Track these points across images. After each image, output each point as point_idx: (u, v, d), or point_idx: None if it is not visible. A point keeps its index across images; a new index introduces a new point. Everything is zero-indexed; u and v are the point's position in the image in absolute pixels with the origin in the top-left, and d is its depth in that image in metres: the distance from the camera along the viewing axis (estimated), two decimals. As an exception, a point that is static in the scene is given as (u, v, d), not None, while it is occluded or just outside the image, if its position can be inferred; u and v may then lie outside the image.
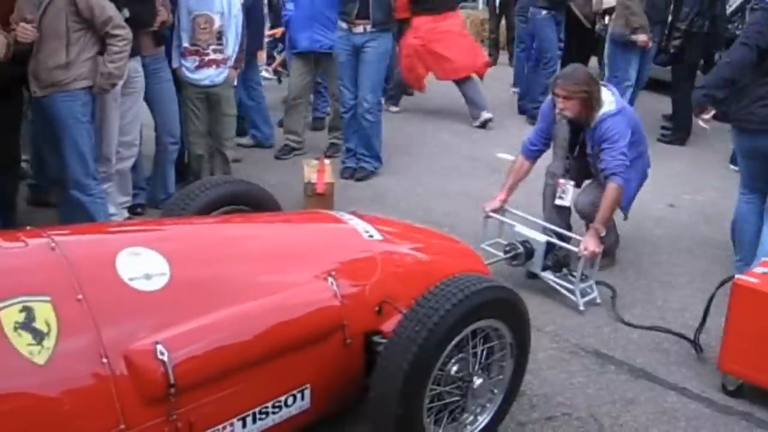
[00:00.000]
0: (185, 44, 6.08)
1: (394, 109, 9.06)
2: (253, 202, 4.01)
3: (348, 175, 7.01)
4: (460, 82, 8.90)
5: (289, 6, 7.21)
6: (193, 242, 3.33)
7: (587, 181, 5.42)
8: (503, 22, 11.94)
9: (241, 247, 3.40)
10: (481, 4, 12.64)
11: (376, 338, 3.31)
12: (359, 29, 6.67)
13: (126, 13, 5.09)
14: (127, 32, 4.90)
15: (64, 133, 4.91)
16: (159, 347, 2.72)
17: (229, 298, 3.03)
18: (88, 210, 5.00)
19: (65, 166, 4.99)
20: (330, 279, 3.28)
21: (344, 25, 6.73)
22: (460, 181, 7.03)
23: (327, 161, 6.48)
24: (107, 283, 2.83)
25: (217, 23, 6.07)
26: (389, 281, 3.49)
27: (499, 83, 10.36)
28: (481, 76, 9.08)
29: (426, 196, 6.66)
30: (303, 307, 3.18)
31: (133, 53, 5.30)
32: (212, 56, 6.14)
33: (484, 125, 8.70)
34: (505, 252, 5.09)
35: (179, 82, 6.12)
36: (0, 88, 4.88)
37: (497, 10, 11.57)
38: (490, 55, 11.59)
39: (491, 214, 5.36)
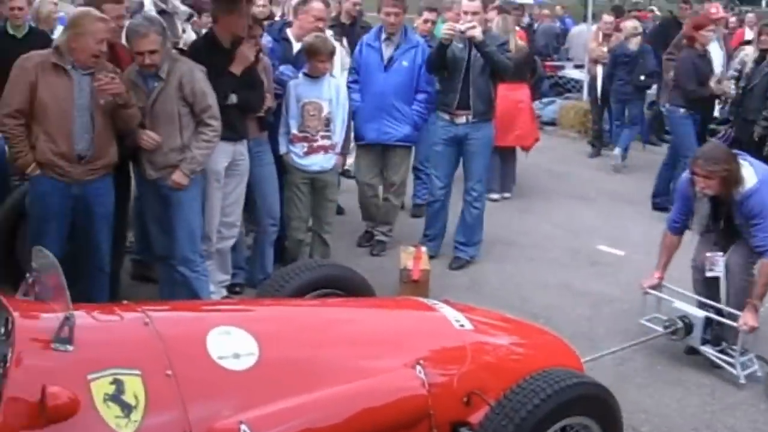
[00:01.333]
0: (294, 131, 6.17)
1: (494, 196, 9.04)
2: (346, 287, 4.03)
3: None
4: (506, 154, 9.04)
5: (355, 96, 7.09)
6: (284, 324, 3.37)
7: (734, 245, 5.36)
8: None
9: (331, 331, 3.42)
10: (585, 96, 12.56)
11: (463, 430, 3.26)
12: (461, 119, 6.70)
13: (234, 98, 5.26)
14: (219, 125, 5.04)
15: (177, 211, 5.07)
16: (243, 427, 2.74)
17: (316, 381, 3.04)
18: (192, 286, 5.10)
19: (174, 243, 5.12)
20: (418, 367, 3.26)
21: (445, 116, 6.78)
22: (560, 272, 6.94)
23: (424, 248, 6.48)
24: (196, 361, 2.88)
25: (325, 110, 6.17)
26: (479, 372, 3.44)
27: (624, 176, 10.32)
28: (528, 150, 9.33)
29: (524, 287, 6.59)
30: (390, 395, 3.16)
31: (240, 137, 5.46)
32: (320, 142, 6.22)
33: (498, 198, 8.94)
34: (665, 327, 5.17)
35: (283, 167, 6.23)
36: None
37: (599, 101, 11.50)
38: (593, 146, 11.51)
39: (649, 290, 5.43)
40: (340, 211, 7.45)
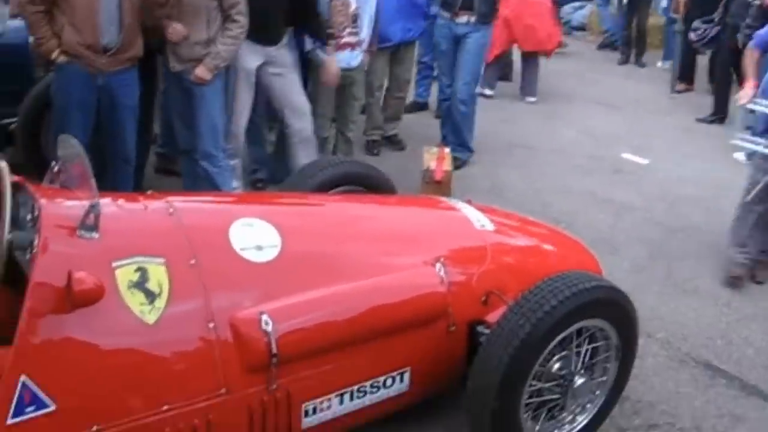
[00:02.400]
0: (320, 27, 6.12)
1: (488, 92, 8.96)
2: (369, 184, 4.04)
3: None
4: (529, 58, 9.06)
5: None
6: (307, 218, 3.39)
7: None
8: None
9: (353, 227, 3.44)
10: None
11: (480, 328, 3.30)
12: (462, 20, 6.65)
13: None
14: (246, 21, 4.99)
15: (200, 105, 5.06)
16: (264, 317, 2.79)
17: (337, 276, 3.08)
18: (214, 181, 5.14)
19: (197, 137, 5.14)
20: (438, 265, 3.29)
21: (446, 14, 6.72)
22: (583, 179, 6.91)
23: (447, 149, 6.46)
24: (220, 251, 2.92)
25: (353, 6, 6.09)
26: (498, 272, 3.47)
27: (650, 85, 10.17)
28: (549, 54, 9.28)
29: (546, 192, 6.58)
30: (409, 291, 3.20)
31: (274, 41, 5.45)
32: (347, 39, 6.13)
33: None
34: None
35: (310, 65, 6.17)
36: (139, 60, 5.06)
37: (627, 6, 11.25)
38: (622, 53, 11.36)
39: (750, 104, 5.20)
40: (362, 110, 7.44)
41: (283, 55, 5.61)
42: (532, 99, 9.10)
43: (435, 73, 7.93)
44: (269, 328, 2.78)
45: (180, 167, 5.74)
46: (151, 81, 5.41)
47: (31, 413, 2.47)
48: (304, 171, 4.11)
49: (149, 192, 3.23)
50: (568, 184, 6.78)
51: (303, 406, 2.98)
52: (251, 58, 5.39)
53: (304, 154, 5.60)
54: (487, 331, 3.23)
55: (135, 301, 2.66)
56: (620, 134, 8.22)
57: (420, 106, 8.42)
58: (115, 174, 4.93)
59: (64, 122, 4.71)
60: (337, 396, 3.06)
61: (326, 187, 3.90)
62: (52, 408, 2.50)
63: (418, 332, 3.20)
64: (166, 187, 5.40)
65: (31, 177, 3.04)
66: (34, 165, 5.06)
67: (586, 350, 3.32)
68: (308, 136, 5.75)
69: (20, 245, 2.73)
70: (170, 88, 5.28)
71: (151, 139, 5.90)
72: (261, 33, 5.26)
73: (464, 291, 3.33)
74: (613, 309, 3.31)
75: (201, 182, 5.14)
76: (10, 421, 2.44)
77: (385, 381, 3.18)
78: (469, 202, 3.92)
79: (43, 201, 2.77)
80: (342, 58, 6.09)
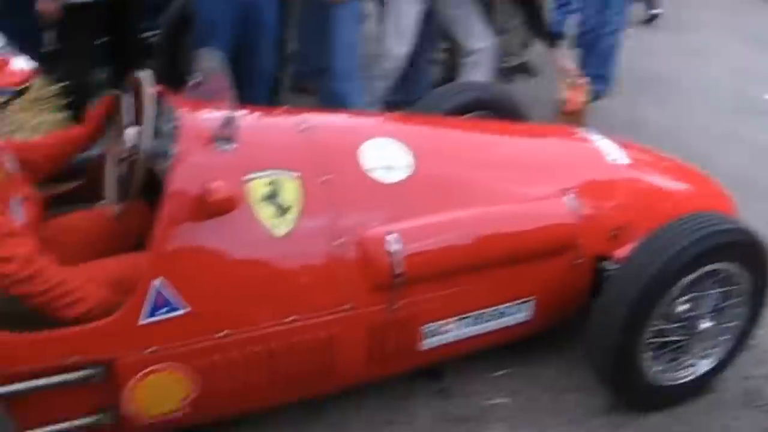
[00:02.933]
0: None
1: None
2: (502, 110, 3.99)
3: None
4: None
5: None
6: (438, 141, 3.37)
7: None
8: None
9: (484, 153, 3.40)
10: None
11: (607, 263, 3.25)
12: None
13: None
14: None
15: (336, 24, 5.06)
16: (391, 237, 2.81)
17: (465, 200, 3.07)
18: (346, 100, 5.16)
19: (331, 56, 5.16)
20: (569, 197, 3.23)
21: None
22: (724, 119, 6.64)
23: (583, 80, 6.28)
24: (351, 170, 2.95)
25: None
26: (628, 208, 3.39)
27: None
28: None
29: (684, 130, 6.34)
30: (538, 220, 3.17)
31: None
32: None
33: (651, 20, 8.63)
34: None
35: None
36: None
37: None
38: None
39: None
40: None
41: None
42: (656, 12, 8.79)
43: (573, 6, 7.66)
44: (395, 248, 2.80)
45: (314, 86, 5.79)
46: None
47: (163, 315, 2.59)
48: (437, 94, 4.09)
49: (285, 108, 3.28)
50: (709, 124, 6.51)
51: (424, 327, 3.01)
52: None
53: (475, 75, 5.57)
54: (614, 266, 3.18)
55: (266, 213, 2.72)
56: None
57: (555, 35, 8.18)
58: (251, 89, 5.00)
59: (205, 38, 4.79)
60: (458, 320, 3.08)
61: (459, 111, 3.87)
62: (183, 311, 2.60)
63: (544, 262, 3.17)
64: (301, 105, 5.46)
65: (169, 89, 3.11)
66: (172, 78, 5.19)
67: (715, 294, 3.23)
68: (487, 59, 5.69)
69: (159, 154, 2.81)
70: (307, 5, 5.30)
71: (287, 56, 5.95)
72: None
73: (593, 224, 3.27)
74: (748, 254, 3.19)
75: (334, 101, 5.17)
76: (143, 321, 2.57)
77: (507, 309, 3.18)
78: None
79: (182, 112, 2.85)
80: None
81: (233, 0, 4.77)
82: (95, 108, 3.21)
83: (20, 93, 2.63)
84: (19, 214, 2.69)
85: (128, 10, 5.16)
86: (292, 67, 6.30)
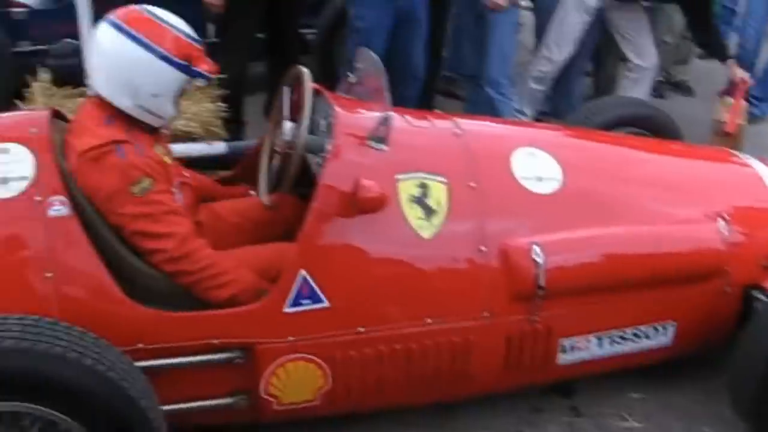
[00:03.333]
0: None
1: None
2: (656, 128, 3.91)
3: None
4: None
5: None
6: (589, 155, 3.32)
7: None
8: None
9: (635, 169, 3.33)
10: None
11: (757, 293, 3.13)
12: None
13: None
14: None
15: (492, 31, 5.06)
16: (536, 248, 2.79)
17: (613, 217, 3.02)
18: (497, 108, 5.16)
19: (485, 63, 5.16)
20: (720, 221, 3.14)
21: None
22: None
23: (743, 101, 6.06)
24: (500, 178, 2.94)
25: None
26: (786, 238, 3.27)
27: None
28: None
29: None
30: (686, 244, 3.08)
31: None
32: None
33: None
34: None
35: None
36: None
37: None
38: None
39: None
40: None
41: None
42: None
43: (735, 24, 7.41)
44: (539, 260, 2.78)
45: (463, 91, 5.80)
46: (447, 3, 5.46)
47: (306, 306, 2.65)
48: (589, 107, 4.06)
49: (437, 111, 3.30)
50: None
51: (561, 341, 2.98)
52: None
53: (636, 92, 5.52)
54: (764, 297, 3.07)
55: (413, 215, 2.74)
56: None
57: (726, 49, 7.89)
58: (403, 89, 5.05)
59: (360, 41, 4.86)
60: (596, 338, 3.03)
61: (611, 125, 3.82)
62: (326, 304, 2.66)
63: (689, 287, 3.09)
64: (447, 109, 5.47)
65: (325, 86, 3.18)
66: (326, 75, 5.29)
67: None
68: (648, 78, 5.65)
69: (313, 149, 2.88)
70: (464, 11, 5.31)
71: (441, 60, 5.97)
72: None
73: (745, 252, 3.16)
74: None
75: (483, 108, 5.16)
76: (287, 309, 2.63)
77: (647, 331, 3.11)
78: (762, 159, 3.69)
79: (338, 109, 2.90)
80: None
81: (389, 5, 4.83)
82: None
83: (210, 80, 2.84)
84: (179, 198, 2.81)
85: (287, 7, 5.29)
86: (443, 72, 6.33)
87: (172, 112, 2.75)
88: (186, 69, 2.66)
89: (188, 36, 2.69)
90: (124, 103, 2.66)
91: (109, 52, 2.66)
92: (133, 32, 2.61)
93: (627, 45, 5.59)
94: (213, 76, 2.77)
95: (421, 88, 5.23)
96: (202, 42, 2.74)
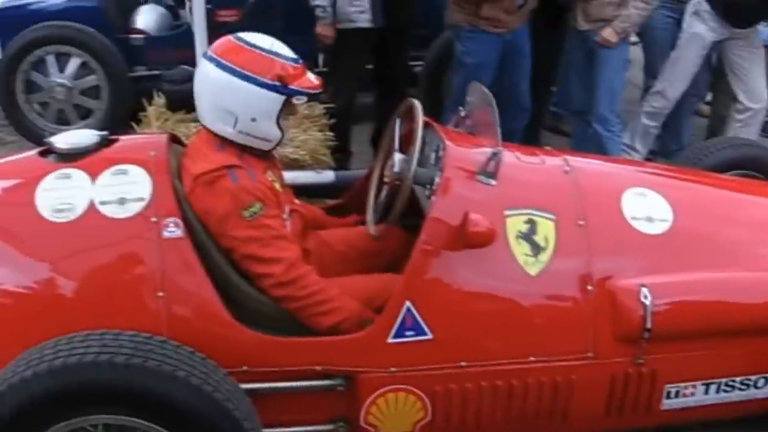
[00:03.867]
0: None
1: None
2: (767, 170, 3.82)
3: None
4: None
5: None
6: (699, 197, 3.25)
7: None
8: None
9: (745, 213, 3.24)
10: None
11: None
12: None
13: None
14: None
15: (602, 67, 5.03)
16: (644, 290, 2.74)
17: (723, 262, 2.95)
18: (604, 145, 5.10)
19: (593, 99, 5.13)
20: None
21: None
22: None
23: None
24: (610, 217, 2.91)
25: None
26: None
27: None
28: None
29: None
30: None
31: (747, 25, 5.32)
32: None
33: None
34: None
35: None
36: (551, 17, 5.13)
37: None
38: None
39: None
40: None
41: (752, 34, 5.42)
42: None
43: None
44: (647, 302, 2.73)
45: (569, 127, 5.76)
46: (559, 39, 5.44)
47: (410, 337, 2.65)
48: (699, 148, 3.98)
49: (547, 148, 3.28)
50: None
51: (666, 387, 2.90)
52: (711, 32, 5.29)
53: (746, 133, 5.44)
54: None
55: (521, 251, 2.73)
56: None
57: None
58: (511, 122, 5.04)
59: (468, 76, 4.89)
60: (703, 384, 2.95)
61: (722, 167, 3.74)
62: (429, 336, 2.66)
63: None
64: (554, 145, 5.44)
65: (435, 120, 3.20)
66: (433, 108, 5.33)
67: None
68: (758, 120, 5.56)
69: (422, 181, 2.89)
70: (573, 46, 5.28)
71: (550, 94, 5.95)
72: (732, 14, 5.15)
73: None
74: None
75: (590, 144, 5.11)
76: (390, 340, 2.65)
77: (756, 381, 3.01)
78: None
79: (448, 143, 2.92)
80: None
81: (497, 41, 4.86)
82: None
83: (316, 97, 2.90)
84: (288, 224, 2.85)
85: (396, 40, 5.35)
86: (551, 108, 6.31)
87: (276, 134, 2.78)
88: (279, 89, 2.69)
89: (280, 56, 2.72)
90: (226, 131, 2.72)
91: (205, 83, 2.75)
92: (223, 61, 2.68)
93: (738, 84, 5.50)
94: (313, 91, 2.78)
95: (529, 121, 5.23)
96: (298, 61, 2.76)
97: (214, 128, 2.74)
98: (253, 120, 2.70)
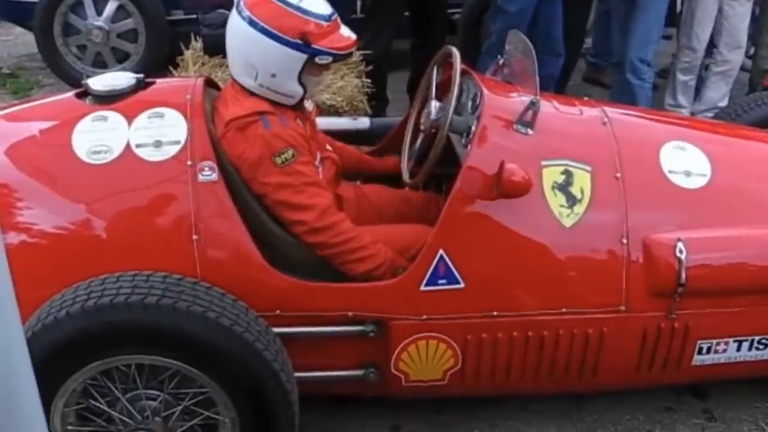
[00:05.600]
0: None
1: None
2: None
3: None
4: None
5: None
6: (739, 152, 3.20)
7: None
8: None
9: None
10: None
11: None
12: None
13: None
14: None
15: (640, 14, 4.94)
16: (680, 245, 2.71)
17: (761, 218, 2.91)
18: (634, 94, 5.03)
19: (627, 48, 5.05)
20: None
21: None
22: None
23: None
24: (647, 170, 2.87)
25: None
26: None
27: None
28: None
29: None
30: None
31: None
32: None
33: None
34: None
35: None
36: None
37: None
38: None
39: None
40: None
41: None
42: None
43: None
44: (682, 257, 2.70)
45: (608, 79, 5.69)
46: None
47: (442, 285, 2.65)
48: (739, 103, 3.90)
49: (585, 98, 3.24)
50: None
51: (698, 342, 2.88)
52: None
53: (716, 87, 5.45)
54: None
55: (556, 202, 2.71)
56: None
57: None
58: (544, 67, 4.99)
59: (508, 25, 4.83)
60: (735, 341, 2.92)
61: (762, 123, 3.67)
62: (462, 285, 2.65)
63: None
64: (592, 96, 5.39)
65: (472, 67, 3.16)
66: (470, 56, 5.27)
67: None
68: (733, 71, 5.51)
69: (458, 129, 2.87)
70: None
71: (582, 43, 5.87)
72: None
73: None
74: None
75: (626, 96, 5.05)
76: (423, 288, 2.65)
77: (791, 339, 2.99)
78: None
79: (486, 91, 2.89)
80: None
81: None
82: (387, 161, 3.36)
83: (344, 57, 2.79)
84: (320, 171, 2.85)
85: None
86: (588, 58, 6.24)
87: (298, 90, 2.73)
88: (301, 47, 2.63)
89: (309, 13, 2.64)
90: (248, 82, 2.71)
91: (232, 34, 2.72)
92: (248, 13, 2.64)
93: (719, 35, 5.46)
94: (340, 52, 2.71)
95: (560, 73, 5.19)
96: (331, 18, 2.69)
97: (239, 79, 2.73)
98: (273, 76, 2.67)
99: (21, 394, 1.20)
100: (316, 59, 2.67)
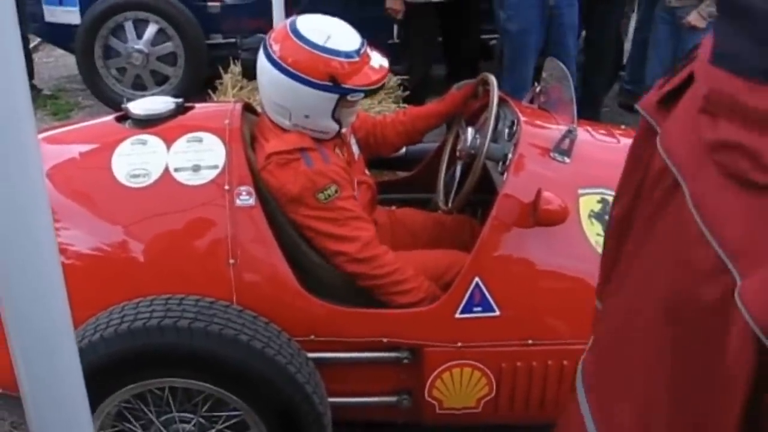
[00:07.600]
0: None
1: None
2: None
3: None
4: None
5: None
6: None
7: None
8: None
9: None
10: None
11: None
12: None
13: None
14: None
15: (681, 46, 4.94)
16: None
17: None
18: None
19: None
20: None
21: None
22: None
23: None
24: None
25: None
26: None
27: None
28: None
29: None
30: None
31: None
32: None
33: None
34: None
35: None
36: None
37: None
38: None
39: None
40: None
41: None
42: None
43: None
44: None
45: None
46: (618, 13, 5.37)
47: (477, 313, 2.64)
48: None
49: (622, 127, 3.23)
50: None
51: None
52: None
53: None
54: None
55: (593, 230, 2.69)
56: None
57: None
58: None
59: (520, 45, 4.85)
60: None
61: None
62: (497, 313, 2.64)
63: None
64: (627, 124, 5.38)
65: (508, 94, 3.16)
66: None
67: None
68: None
69: (495, 157, 2.87)
70: (657, 21, 5.19)
71: (616, 69, 5.86)
72: None
73: None
74: None
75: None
76: (458, 315, 2.63)
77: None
78: None
79: (523, 118, 2.88)
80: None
81: (543, 6, 4.85)
82: (458, 90, 3.24)
83: (376, 91, 2.78)
84: (356, 194, 2.85)
85: (467, 12, 5.32)
86: (624, 84, 6.22)
87: (333, 126, 2.72)
88: (331, 89, 2.61)
89: (334, 52, 2.61)
90: (283, 122, 2.71)
91: (261, 72, 2.71)
92: (275, 57, 2.62)
93: None
94: (370, 88, 2.68)
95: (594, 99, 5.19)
96: (360, 52, 2.65)
97: (273, 118, 2.73)
98: (307, 117, 2.67)
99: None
100: (348, 97, 2.65)
